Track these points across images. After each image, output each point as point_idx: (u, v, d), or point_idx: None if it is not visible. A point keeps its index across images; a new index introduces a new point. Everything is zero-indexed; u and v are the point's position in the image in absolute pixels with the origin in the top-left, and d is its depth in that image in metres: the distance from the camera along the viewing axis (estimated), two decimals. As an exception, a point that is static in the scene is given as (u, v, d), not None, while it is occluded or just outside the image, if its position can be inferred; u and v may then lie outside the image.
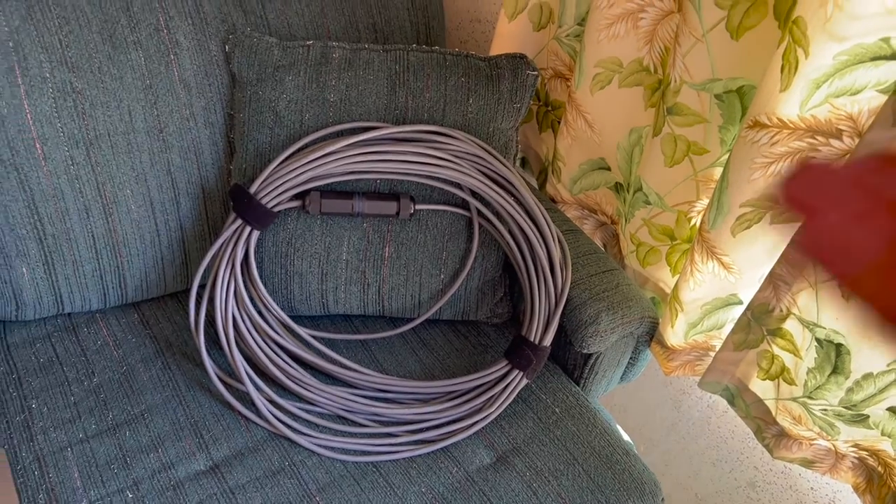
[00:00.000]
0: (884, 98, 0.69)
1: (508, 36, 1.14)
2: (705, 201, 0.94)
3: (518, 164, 1.33)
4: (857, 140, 0.72)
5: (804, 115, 0.72)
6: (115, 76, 0.90)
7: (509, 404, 1.00)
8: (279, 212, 0.95)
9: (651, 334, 1.03)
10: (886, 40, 0.65)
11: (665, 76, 0.91)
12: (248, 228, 0.93)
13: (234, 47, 0.95)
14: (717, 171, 0.91)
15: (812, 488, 1.07)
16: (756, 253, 0.85)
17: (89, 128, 0.90)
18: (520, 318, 1.09)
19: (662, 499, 0.96)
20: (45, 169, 0.89)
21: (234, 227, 0.93)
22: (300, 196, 0.96)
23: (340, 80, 0.95)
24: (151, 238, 0.98)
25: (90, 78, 0.89)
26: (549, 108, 1.18)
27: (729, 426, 1.17)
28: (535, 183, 1.29)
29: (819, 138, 0.73)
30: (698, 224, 0.96)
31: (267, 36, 0.97)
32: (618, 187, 1.10)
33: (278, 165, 0.93)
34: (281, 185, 0.92)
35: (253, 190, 0.92)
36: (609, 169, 1.09)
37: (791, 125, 0.73)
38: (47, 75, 0.87)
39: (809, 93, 0.70)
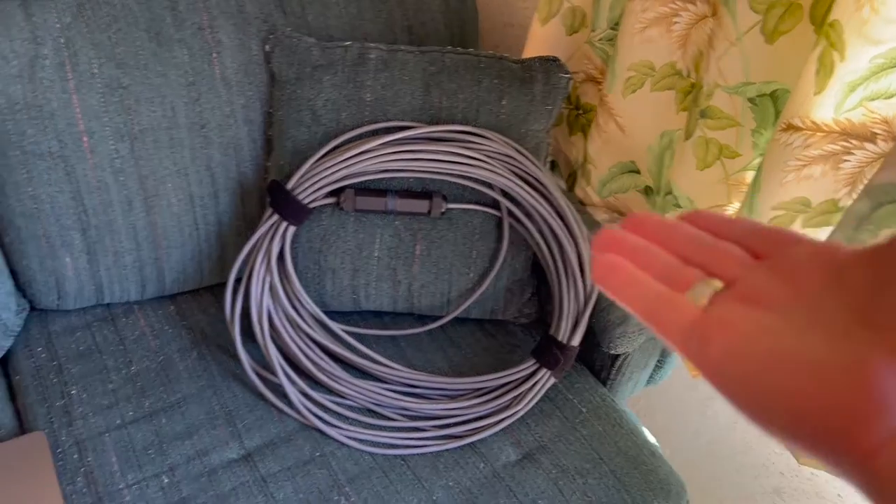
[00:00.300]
0: (919, 102, 0.69)
1: (541, 40, 1.15)
2: (736, 205, 0.95)
3: (548, 166, 1.34)
4: (891, 144, 0.72)
5: (839, 118, 0.72)
6: (160, 73, 0.93)
7: (536, 403, 1.00)
8: (314, 208, 0.97)
9: (679, 337, 1.03)
10: (923, 44, 0.65)
11: (698, 80, 0.92)
12: (284, 224, 0.95)
13: (274, 47, 0.98)
14: (749, 175, 0.91)
15: (839, 495, 1.07)
16: (787, 256, 0.85)
17: (134, 122, 0.93)
18: (547, 319, 1.10)
19: (688, 501, 0.97)
20: (91, 162, 0.92)
21: (270, 222, 0.95)
22: (335, 193, 0.98)
23: (376, 80, 0.97)
24: (190, 231, 1.01)
25: (136, 74, 0.92)
26: (580, 112, 1.19)
27: (755, 432, 1.16)
28: (564, 186, 1.30)
29: (853, 141, 0.74)
30: (729, 227, 0.97)
31: (306, 36, 0.99)
32: (647, 190, 1.11)
33: (315, 163, 0.95)
34: (317, 181, 0.95)
35: (290, 186, 0.94)
36: (639, 172, 1.10)
37: (825, 128, 0.74)
38: (96, 71, 0.90)
39: (844, 96, 0.71)
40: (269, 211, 0.96)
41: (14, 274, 0.97)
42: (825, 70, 0.70)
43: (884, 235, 0.74)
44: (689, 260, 0.29)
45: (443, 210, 0.99)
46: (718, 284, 0.27)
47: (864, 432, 0.21)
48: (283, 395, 0.96)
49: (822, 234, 0.83)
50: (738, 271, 0.27)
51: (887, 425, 0.21)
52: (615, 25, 1.06)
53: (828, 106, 0.72)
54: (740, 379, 0.24)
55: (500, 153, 0.98)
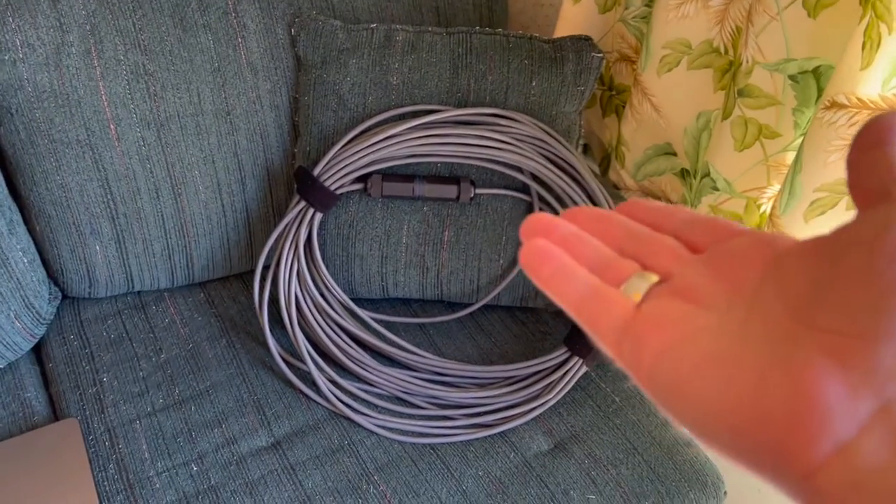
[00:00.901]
0: (975, 75, 0.65)
1: (573, 19, 1.12)
2: (776, 187, 0.91)
3: (580, 149, 1.31)
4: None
5: (886, 94, 0.69)
6: (186, 59, 0.92)
7: (568, 392, 0.98)
8: (342, 194, 0.96)
9: (716, 324, 1.00)
10: (980, 13, 0.61)
11: (736, 57, 0.89)
12: (311, 210, 0.94)
13: (299, 30, 0.96)
14: (790, 156, 0.88)
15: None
16: (830, 240, 0.82)
17: (160, 109, 0.92)
18: (580, 306, 1.07)
19: (725, 491, 0.94)
20: (119, 149, 0.92)
21: (297, 208, 0.94)
22: (362, 179, 0.96)
23: (403, 62, 0.95)
24: (218, 219, 1.01)
25: (162, 60, 0.91)
26: (614, 93, 1.16)
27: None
28: (597, 169, 1.27)
29: (902, 119, 0.70)
30: (768, 211, 0.93)
31: (332, 19, 0.98)
32: (684, 173, 1.07)
33: (341, 148, 0.94)
34: (343, 167, 0.93)
35: (316, 172, 0.93)
36: (675, 154, 1.07)
37: (872, 105, 0.70)
38: (121, 58, 0.89)
39: (893, 70, 0.67)
40: (296, 198, 0.95)
41: (46, 263, 0.98)
42: (872, 44, 0.66)
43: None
44: (624, 252, 0.26)
45: (471, 195, 0.97)
46: (654, 278, 0.25)
47: (805, 447, 0.19)
48: (312, 383, 0.95)
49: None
50: (674, 265, 0.25)
51: (831, 439, 0.18)
52: (650, 2, 1.02)
53: (875, 81, 0.68)
54: (673, 385, 0.21)
55: (530, 136, 0.96)
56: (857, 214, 0.21)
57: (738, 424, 0.20)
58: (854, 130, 0.73)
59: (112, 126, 0.91)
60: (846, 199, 0.79)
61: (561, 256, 0.26)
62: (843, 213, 0.79)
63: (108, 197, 0.94)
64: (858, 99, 0.70)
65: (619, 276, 0.25)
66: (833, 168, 0.76)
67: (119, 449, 0.87)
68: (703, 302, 0.23)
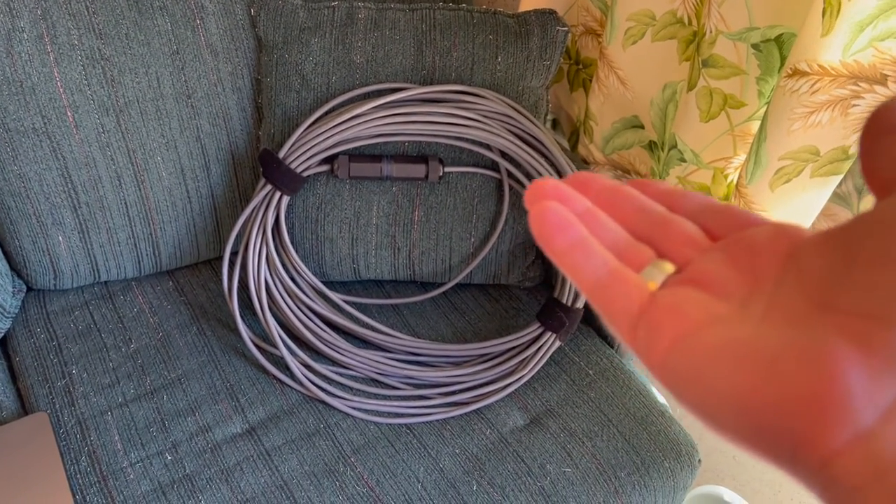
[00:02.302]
0: (933, 39, 0.65)
1: (537, -7, 1.11)
2: (742, 157, 0.91)
3: (549, 125, 1.30)
4: (903, 85, 0.69)
5: (847, 60, 0.69)
6: (143, 42, 0.90)
7: (542, 367, 0.99)
8: (308, 176, 0.95)
9: (686, 295, 1.01)
10: (936, -23, 0.62)
11: (700, 27, 0.88)
12: (278, 194, 0.93)
13: (259, 10, 0.95)
14: (755, 125, 0.88)
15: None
16: (796, 207, 0.83)
17: (119, 95, 0.90)
18: (552, 281, 1.08)
19: (699, 460, 0.95)
20: (77, 137, 0.90)
21: (264, 192, 0.93)
22: (329, 160, 0.95)
23: (366, 40, 0.94)
24: (183, 205, 0.99)
25: (118, 44, 0.89)
26: (581, 67, 1.16)
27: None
28: (566, 144, 1.27)
29: (862, 84, 0.70)
30: (735, 180, 0.94)
31: (292, -2, 0.96)
32: (652, 146, 1.07)
33: (306, 130, 0.93)
34: (309, 149, 0.92)
35: (282, 155, 0.92)
36: (643, 127, 1.07)
37: (833, 72, 0.70)
38: (76, 42, 0.87)
39: (853, 36, 0.67)
40: (262, 181, 0.93)
41: (8, 255, 0.96)
42: (832, 10, 0.66)
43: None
44: (639, 234, 0.25)
45: (440, 174, 0.96)
46: (671, 268, 0.24)
47: (823, 434, 0.18)
48: (285, 368, 0.95)
49: (831, 183, 0.80)
50: (692, 252, 0.24)
51: (850, 426, 0.18)
52: (613, -26, 1.02)
53: (835, 48, 0.68)
54: (688, 374, 0.21)
55: (497, 112, 0.95)
56: (875, 202, 0.20)
57: (753, 411, 0.19)
58: (817, 98, 0.73)
59: (69, 113, 0.88)
60: (811, 167, 0.79)
61: (579, 228, 0.24)
62: (807, 181, 0.80)
63: (69, 186, 0.92)
64: (820, 66, 0.70)
65: (636, 262, 0.24)
66: (797, 136, 0.76)
67: (91, 441, 0.86)
68: (722, 292, 0.23)
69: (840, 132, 0.75)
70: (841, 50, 0.68)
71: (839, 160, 0.77)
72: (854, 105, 0.72)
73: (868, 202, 0.73)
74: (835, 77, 0.71)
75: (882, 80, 0.69)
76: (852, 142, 0.75)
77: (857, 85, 0.70)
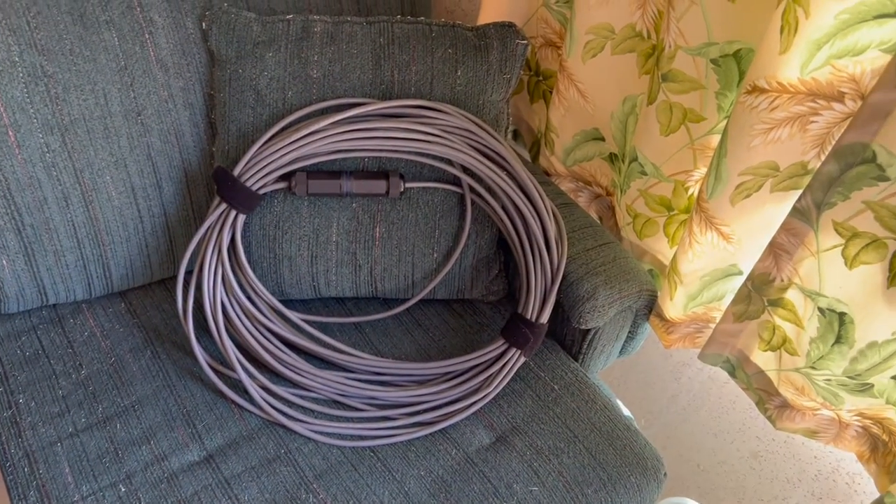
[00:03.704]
0: (888, 58, 0.66)
1: (496, 4, 1.10)
2: (703, 170, 0.92)
3: (510, 136, 1.30)
4: (859, 103, 0.69)
5: (805, 77, 0.69)
6: (88, 58, 0.87)
7: (508, 383, 0.98)
8: (265, 194, 0.93)
9: (650, 307, 1.01)
10: (891, -4, 0.62)
11: (659, 41, 0.88)
12: (233, 212, 0.90)
13: (211, 24, 0.92)
14: (715, 139, 0.88)
15: (815, 457, 1.06)
16: (756, 222, 0.83)
17: (63, 113, 0.87)
18: (516, 296, 1.07)
19: (665, 473, 0.95)
20: (20, 157, 0.86)
21: (218, 211, 0.90)
22: (286, 177, 0.93)
23: (323, 55, 0.92)
24: (134, 225, 0.96)
25: (62, 61, 0.85)
26: (541, 78, 1.15)
27: (730, 397, 1.15)
28: (527, 156, 1.26)
29: (820, 101, 0.70)
30: (696, 194, 0.94)
31: (245, 11, 0.93)
32: (612, 158, 1.07)
33: (261, 146, 0.90)
34: (265, 166, 0.90)
35: (236, 172, 0.89)
36: (603, 139, 1.06)
37: (791, 89, 0.70)
38: (16, 59, 0.83)
39: (810, 54, 0.67)
40: (216, 199, 0.91)
41: (-52, 280, 0.92)
42: (790, 28, 0.67)
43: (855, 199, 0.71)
44: None
45: (401, 190, 0.95)
46: None
47: None
48: (244, 391, 0.92)
49: (791, 197, 0.80)
50: None
51: None
52: (572, -14, 1.01)
53: (793, 65, 0.68)
54: None
55: (457, 127, 0.94)
56: None
57: None
58: (776, 115, 0.73)
59: (11, 133, 0.85)
60: (771, 182, 0.79)
61: None
62: (767, 196, 0.80)
63: (12, 208, 0.88)
64: (779, 83, 0.70)
65: None
66: (757, 152, 0.76)
67: (40, 474, 0.82)
68: None
69: (799, 148, 0.75)
70: (799, 67, 0.68)
71: (798, 175, 0.78)
72: (812, 122, 0.73)
73: (827, 217, 0.74)
74: (793, 94, 0.71)
75: (840, 98, 0.70)
76: (811, 157, 0.76)
77: (816, 102, 0.71)
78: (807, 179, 0.77)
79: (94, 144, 0.89)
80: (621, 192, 1.04)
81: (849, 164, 0.70)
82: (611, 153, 1.07)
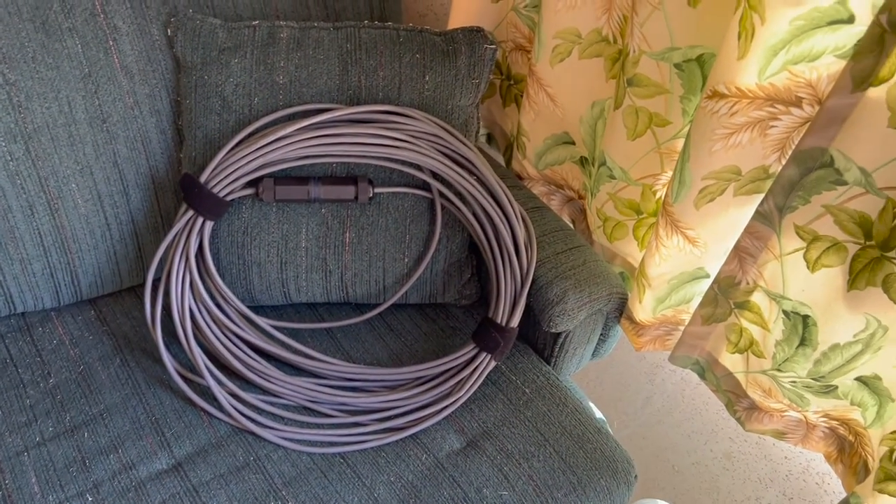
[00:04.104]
0: (843, 63, 0.66)
1: (466, 8, 1.10)
2: (670, 174, 0.92)
3: (484, 140, 1.30)
4: (816, 108, 0.70)
5: (763, 83, 0.70)
6: (51, 65, 0.86)
7: (479, 387, 0.98)
8: (232, 201, 0.92)
9: (620, 310, 1.01)
10: (843, 3, 0.62)
11: (624, 46, 0.89)
12: (200, 219, 0.90)
13: (176, 30, 0.91)
14: (681, 143, 0.89)
15: (786, 457, 1.07)
16: (720, 226, 0.83)
17: (27, 121, 0.86)
18: (488, 299, 1.07)
19: (636, 476, 0.95)
20: (-17, 166, 0.85)
21: (185, 217, 0.90)
22: (253, 183, 0.93)
23: (289, 60, 0.91)
24: (102, 232, 0.95)
25: (24, 68, 0.85)
26: (512, 82, 1.15)
27: (703, 398, 1.16)
28: (501, 160, 1.26)
29: (779, 107, 0.71)
30: (663, 197, 0.94)
31: (211, 17, 0.93)
32: (583, 161, 1.08)
33: (228, 153, 0.90)
34: (232, 172, 0.89)
35: (203, 179, 0.89)
36: (573, 143, 1.07)
37: (750, 94, 0.71)
38: (-23, 67, 0.83)
39: (767, 60, 0.68)
40: (183, 206, 0.90)
41: (-88, 289, 0.91)
42: (747, 34, 0.67)
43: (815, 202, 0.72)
44: None
45: (370, 195, 0.94)
46: None
47: None
48: (213, 399, 0.92)
49: (754, 201, 0.80)
50: None
51: None
52: (540, -9, 1.01)
53: (752, 71, 0.69)
54: None
55: (426, 132, 0.94)
56: None
57: None
58: (736, 120, 0.73)
59: (-27, 141, 0.84)
60: (734, 186, 0.80)
61: None
62: (731, 200, 0.81)
63: (-24, 217, 0.87)
64: (738, 88, 0.71)
65: None
66: (719, 156, 0.77)
67: (6, 485, 0.82)
68: None
69: (760, 152, 0.76)
70: (757, 73, 0.69)
71: (760, 179, 0.78)
72: (772, 126, 0.73)
73: (789, 221, 0.74)
74: (752, 99, 0.71)
75: (797, 103, 0.70)
76: (772, 161, 0.76)
77: (774, 107, 0.71)
78: (768, 183, 0.78)
79: (58, 152, 0.89)
80: (591, 195, 1.04)
81: (808, 169, 0.70)
82: (581, 157, 1.07)
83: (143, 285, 1.04)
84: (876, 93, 0.63)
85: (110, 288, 1.01)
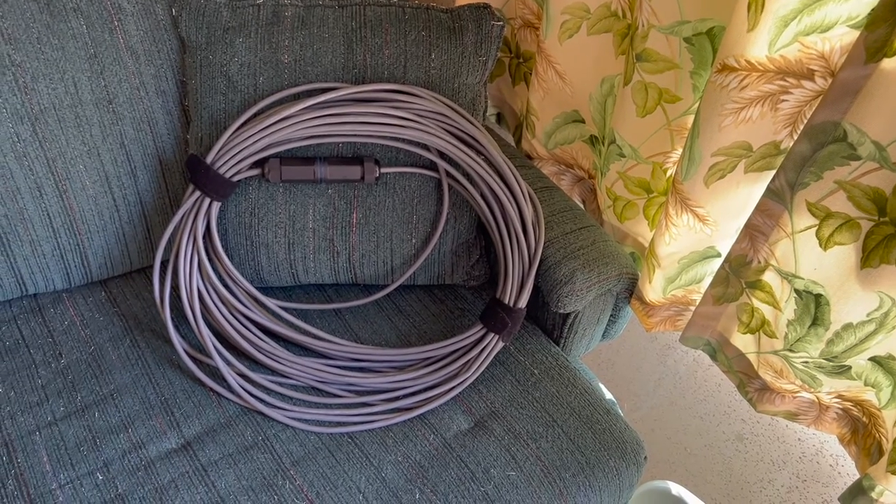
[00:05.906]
0: (856, 34, 0.64)
1: (475, -15, 1.08)
2: (680, 151, 0.90)
3: (494, 119, 1.29)
4: (829, 80, 0.68)
5: (773, 55, 0.68)
6: (57, 46, 0.86)
7: (487, 368, 0.98)
8: (238, 181, 0.92)
9: (630, 290, 1.00)
10: (857, -29, 0.60)
11: (633, 21, 0.87)
12: (207, 200, 0.90)
13: (181, 10, 0.91)
14: (691, 119, 0.87)
15: (799, 439, 1.06)
16: (731, 203, 0.82)
17: (33, 102, 0.86)
18: (496, 280, 1.06)
19: (645, 457, 0.95)
20: (-9, 147, 0.86)
21: (192, 198, 0.90)
22: (259, 164, 0.92)
23: (294, 39, 0.91)
24: (110, 214, 0.95)
25: (29, 50, 0.85)
26: (521, 60, 1.14)
27: (715, 380, 1.15)
28: (511, 139, 1.25)
29: (790, 80, 0.69)
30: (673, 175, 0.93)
31: (216, -3, 0.93)
32: (593, 140, 1.06)
33: (233, 133, 0.90)
34: (238, 153, 0.89)
35: (209, 160, 0.89)
36: (583, 121, 1.05)
37: (760, 67, 0.69)
38: (-17, 49, 0.83)
39: (778, 31, 0.66)
40: (190, 187, 0.90)
41: (-75, 271, 0.92)
42: (756, 5, 0.65)
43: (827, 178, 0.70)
44: None
45: (376, 175, 0.94)
46: None
47: None
48: (221, 379, 0.92)
49: (765, 178, 0.79)
50: None
51: None
52: (549, -34, 1.00)
53: (761, 43, 0.67)
54: None
55: (432, 111, 0.93)
56: None
57: None
58: (746, 94, 0.72)
59: (-20, 122, 0.84)
60: (744, 162, 0.78)
61: None
62: (741, 177, 0.79)
63: (-15, 198, 0.88)
64: (747, 61, 0.69)
65: None
66: (728, 132, 0.75)
67: (18, 463, 0.83)
68: None
69: (771, 127, 0.74)
70: (767, 45, 0.67)
71: (771, 155, 0.76)
72: (783, 100, 0.71)
73: (801, 198, 0.73)
74: (762, 72, 0.69)
75: (809, 75, 0.68)
76: (783, 137, 0.75)
77: (785, 80, 0.69)
78: (780, 159, 0.76)
79: (65, 133, 0.89)
80: (601, 174, 1.03)
81: (820, 144, 0.69)
82: (591, 135, 1.06)
83: (152, 266, 1.05)
84: (891, 64, 0.61)
85: (120, 269, 1.01)
